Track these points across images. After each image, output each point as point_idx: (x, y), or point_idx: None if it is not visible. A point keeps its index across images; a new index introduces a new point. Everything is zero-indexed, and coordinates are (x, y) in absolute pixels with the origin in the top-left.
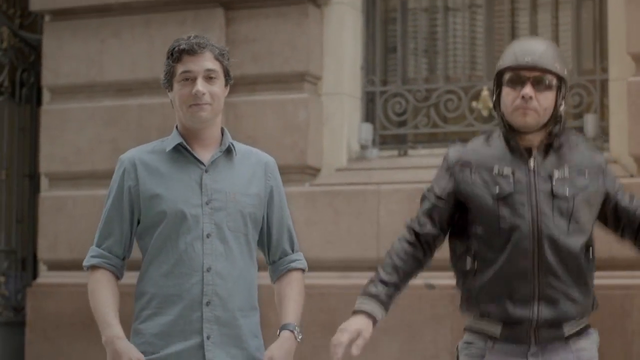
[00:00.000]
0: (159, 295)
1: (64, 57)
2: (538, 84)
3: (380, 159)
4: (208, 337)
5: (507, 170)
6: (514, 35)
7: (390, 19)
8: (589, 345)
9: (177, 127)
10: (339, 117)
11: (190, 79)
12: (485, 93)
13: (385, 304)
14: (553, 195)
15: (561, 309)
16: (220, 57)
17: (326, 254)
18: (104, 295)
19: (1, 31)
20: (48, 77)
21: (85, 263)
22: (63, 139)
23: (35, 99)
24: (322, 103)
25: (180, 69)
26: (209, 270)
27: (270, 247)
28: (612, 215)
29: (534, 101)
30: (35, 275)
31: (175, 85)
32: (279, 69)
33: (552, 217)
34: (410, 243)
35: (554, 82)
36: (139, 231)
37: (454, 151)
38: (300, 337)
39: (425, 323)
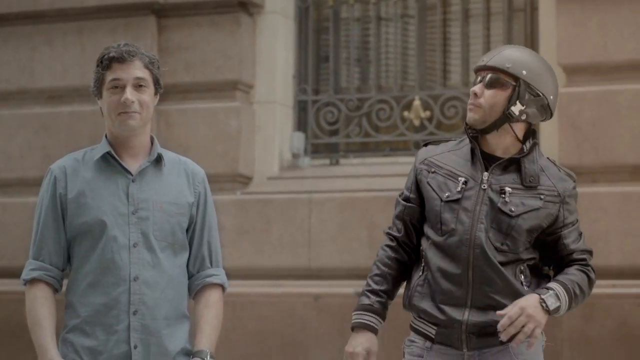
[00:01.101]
0: (86, 305)
1: None
2: (487, 82)
3: (312, 168)
4: (135, 347)
5: (462, 177)
6: (445, 45)
7: (323, 29)
8: (533, 349)
9: (106, 135)
10: (271, 126)
11: (120, 87)
12: (417, 103)
13: (381, 313)
14: (497, 209)
15: (491, 317)
16: (150, 66)
17: (257, 262)
18: (41, 314)
19: None
20: None
21: (24, 277)
22: None
23: None
24: (254, 112)
25: (109, 76)
26: (136, 279)
27: (189, 258)
28: (550, 246)
29: (479, 98)
30: None
31: (105, 93)
32: (211, 77)
33: (489, 229)
34: (391, 248)
35: (506, 81)
36: (68, 241)
37: (423, 151)
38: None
39: None
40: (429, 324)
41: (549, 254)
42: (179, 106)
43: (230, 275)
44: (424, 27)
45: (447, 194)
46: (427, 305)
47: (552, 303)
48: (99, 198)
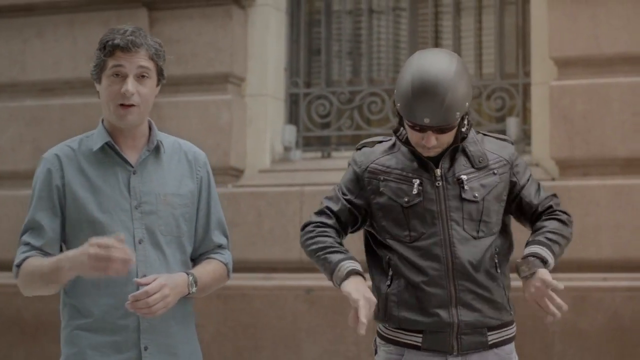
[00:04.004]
0: (92, 306)
1: None
2: (440, 132)
3: (304, 161)
4: (145, 349)
5: (415, 179)
6: (437, 38)
7: (315, 21)
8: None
9: (102, 121)
10: (262, 119)
11: (121, 76)
12: None
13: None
14: (462, 199)
15: (480, 310)
16: (155, 57)
17: (249, 255)
18: (37, 262)
19: None
20: None
21: (16, 262)
22: None
23: None
24: (246, 104)
25: (111, 63)
26: (144, 277)
27: (194, 244)
28: (516, 209)
29: (435, 144)
30: None
31: (104, 80)
32: (203, 70)
33: (462, 222)
34: (328, 226)
35: (456, 122)
36: (64, 236)
37: (361, 156)
38: (194, 289)
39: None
40: (412, 333)
41: (518, 216)
42: (170, 99)
43: None
44: (416, 20)
45: (406, 199)
46: (408, 313)
47: (549, 268)
48: (99, 192)
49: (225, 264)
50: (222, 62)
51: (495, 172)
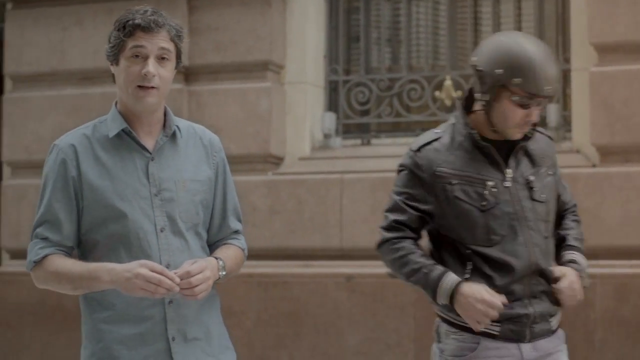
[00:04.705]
0: (116, 297)
1: (26, 45)
2: (543, 104)
3: (344, 148)
4: (173, 339)
5: (489, 181)
6: (476, 25)
7: (354, 8)
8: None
9: (116, 105)
10: (302, 106)
11: (141, 57)
12: (448, 82)
13: None
14: (533, 200)
15: (546, 301)
16: (175, 39)
17: (289, 243)
18: (64, 264)
19: None
20: (10, 66)
21: (33, 259)
22: (25, 128)
23: None
24: (285, 92)
25: (131, 43)
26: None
27: (210, 230)
28: None
29: (537, 120)
30: None
31: (123, 62)
32: (242, 58)
33: (536, 223)
34: (415, 243)
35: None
36: (82, 228)
37: (423, 160)
38: (223, 273)
39: (388, 312)
40: (490, 323)
41: None
42: (209, 87)
43: (261, 255)
44: (455, 6)
45: (483, 203)
46: None
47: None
48: (118, 181)
49: (243, 250)
50: (261, 50)
51: (550, 171)
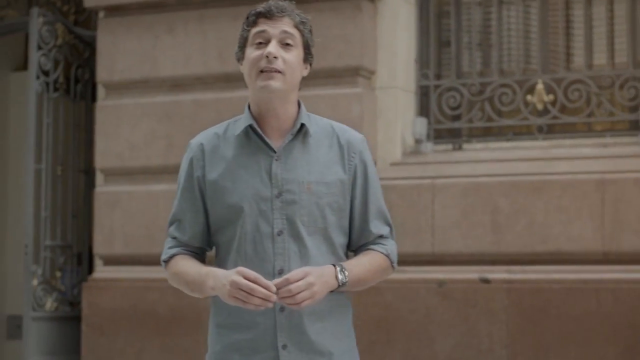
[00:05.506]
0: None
1: (118, 53)
2: None
3: (435, 153)
4: (284, 347)
5: None
6: (568, 28)
7: (444, 13)
8: None
9: (249, 105)
10: (393, 112)
11: (264, 42)
12: (540, 86)
13: None
14: None
15: None
16: (300, 26)
17: None
18: (185, 266)
19: (56, 28)
20: (102, 73)
21: (162, 258)
22: (118, 135)
23: (90, 95)
24: (376, 97)
25: (254, 31)
26: (280, 272)
27: (352, 235)
28: None
29: None
30: (90, 270)
31: (247, 51)
32: (333, 63)
33: None
34: None
35: None
36: (211, 229)
37: None
38: (342, 278)
39: (480, 317)
40: None
41: None
42: (300, 92)
43: None
44: (546, 9)
45: None
46: None
47: None
48: (239, 180)
49: (387, 255)
50: (352, 55)
51: None
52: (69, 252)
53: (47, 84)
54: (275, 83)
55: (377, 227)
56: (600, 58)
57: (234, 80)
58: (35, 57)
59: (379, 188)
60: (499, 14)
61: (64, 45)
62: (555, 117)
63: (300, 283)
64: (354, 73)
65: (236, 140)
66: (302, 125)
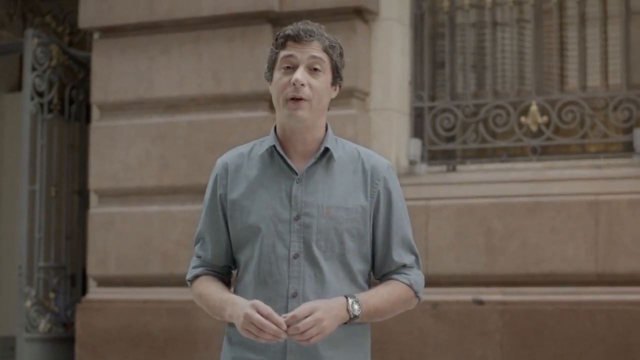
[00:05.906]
0: None
1: (113, 74)
2: None
3: (429, 175)
4: None
5: None
6: (562, 50)
7: (439, 34)
8: None
9: (275, 127)
10: (387, 133)
11: (292, 67)
12: (534, 108)
13: None
14: None
15: None
16: (329, 50)
17: None
18: (208, 289)
19: (50, 49)
20: (97, 94)
21: (187, 278)
22: (112, 156)
23: (84, 116)
24: (370, 119)
25: (282, 54)
26: (294, 296)
27: (375, 264)
28: None
29: None
30: (84, 291)
31: (275, 74)
32: None
33: None
34: None
35: None
36: (233, 248)
37: None
38: (354, 310)
39: (474, 339)
40: None
41: None
42: None
43: None
44: (541, 31)
45: None
46: None
47: None
48: (259, 201)
49: (409, 285)
50: (346, 77)
51: None
52: (63, 274)
53: (42, 105)
54: (302, 112)
55: (400, 255)
56: (594, 80)
57: (228, 101)
58: (29, 78)
59: (406, 216)
60: (493, 35)
61: (59, 66)
62: (549, 139)
63: (308, 320)
64: (348, 95)
65: (260, 160)
66: (327, 149)
